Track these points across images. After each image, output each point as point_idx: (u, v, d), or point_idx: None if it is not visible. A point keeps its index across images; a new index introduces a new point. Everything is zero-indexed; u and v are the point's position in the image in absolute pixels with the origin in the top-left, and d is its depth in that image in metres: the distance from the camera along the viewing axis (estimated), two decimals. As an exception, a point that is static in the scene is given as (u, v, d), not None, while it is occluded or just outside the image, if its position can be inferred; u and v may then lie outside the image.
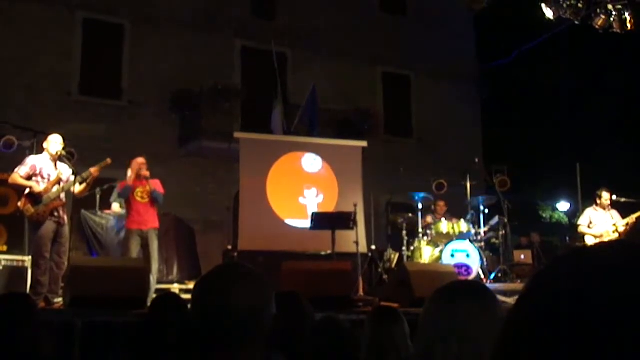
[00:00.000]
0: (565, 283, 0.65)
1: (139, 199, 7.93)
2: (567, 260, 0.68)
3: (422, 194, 10.98)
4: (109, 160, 7.63)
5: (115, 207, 9.97)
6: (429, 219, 11.02)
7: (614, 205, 10.12)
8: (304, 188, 12.07)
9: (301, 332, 2.79)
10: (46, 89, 13.71)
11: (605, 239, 9.65)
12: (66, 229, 7.42)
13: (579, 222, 10.27)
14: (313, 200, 12.03)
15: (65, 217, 7.44)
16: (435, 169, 13.23)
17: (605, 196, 9.98)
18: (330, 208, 11.90)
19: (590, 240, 10.02)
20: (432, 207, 11.31)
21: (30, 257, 7.65)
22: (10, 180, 7.37)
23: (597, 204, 10.08)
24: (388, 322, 3.32)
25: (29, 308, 3.47)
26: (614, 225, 9.92)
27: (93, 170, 7.45)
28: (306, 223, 11.40)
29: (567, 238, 14.40)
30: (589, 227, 10.07)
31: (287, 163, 12.13)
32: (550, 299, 0.65)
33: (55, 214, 7.26)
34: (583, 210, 10.47)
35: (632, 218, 9.90)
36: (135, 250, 7.81)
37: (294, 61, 16.36)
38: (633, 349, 0.58)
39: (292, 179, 12.09)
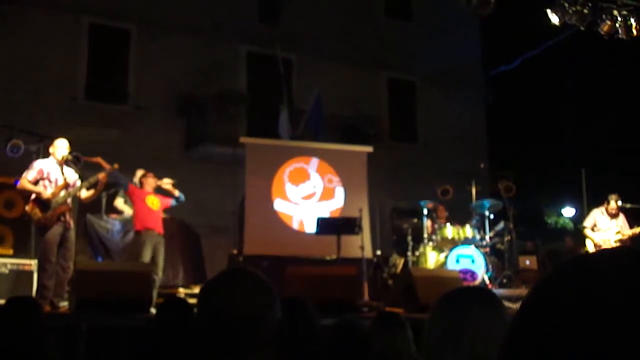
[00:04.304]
0: (570, 284, 0.66)
1: (149, 204, 8.34)
2: (572, 264, 0.69)
3: (425, 202, 11.01)
4: (116, 166, 7.70)
5: (120, 202, 9.97)
6: (430, 224, 11.03)
7: (620, 211, 10.08)
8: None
9: (306, 337, 2.80)
10: (52, 93, 13.76)
11: (605, 247, 9.63)
12: (72, 233, 7.45)
13: (584, 224, 10.25)
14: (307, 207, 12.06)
15: (72, 222, 7.47)
16: (440, 175, 13.22)
17: (613, 204, 9.93)
18: (335, 213, 11.91)
19: (590, 246, 9.99)
20: (434, 214, 11.31)
21: (36, 261, 7.69)
22: (19, 186, 7.44)
23: (605, 208, 10.03)
24: (391, 328, 3.33)
25: (34, 312, 3.49)
26: (618, 233, 9.88)
27: (101, 176, 7.51)
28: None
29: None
30: (592, 229, 10.03)
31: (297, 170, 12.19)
32: (554, 300, 0.66)
33: (62, 218, 7.29)
34: (591, 210, 10.40)
35: (638, 229, 9.86)
36: (149, 253, 8.01)
37: (299, 66, 16.38)
38: (635, 348, 0.60)
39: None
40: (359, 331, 2.96)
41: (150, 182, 8.54)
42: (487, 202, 11.04)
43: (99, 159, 7.90)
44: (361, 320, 3.40)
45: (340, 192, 12.28)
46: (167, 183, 8.75)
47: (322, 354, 2.78)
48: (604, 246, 9.73)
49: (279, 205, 11.85)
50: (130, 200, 8.83)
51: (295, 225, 11.81)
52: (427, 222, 11.00)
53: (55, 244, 7.19)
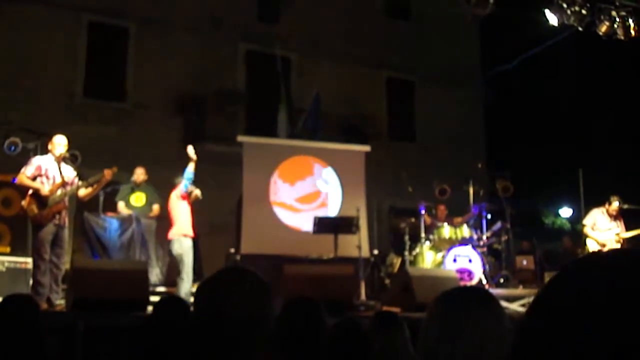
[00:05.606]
0: (571, 287, 0.67)
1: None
2: (573, 267, 0.69)
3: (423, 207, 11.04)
4: (115, 169, 7.71)
5: (121, 205, 9.98)
6: (429, 220, 11.04)
7: (620, 213, 10.08)
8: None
9: (315, 338, 2.81)
10: (51, 91, 13.73)
11: (607, 248, 9.64)
12: (65, 232, 7.45)
13: (584, 222, 10.26)
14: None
15: (66, 220, 7.47)
16: (438, 174, 13.22)
17: (614, 205, 9.93)
18: (333, 212, 11.92)
19: (592, 245, 10.00)
20: (433, 211, 11.31)
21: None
22: (17, 181, 7.45)
23: (606, 209, 10.03)
24: (389, 327, 3.33)
25: (31, 310, 3.49)
26: (617, 235, 9.89)
27: (107, 173, 7.55)
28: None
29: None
30: (592, 229, 10.03)
31: (295, 165, 12.17)
32: (556, 303, 0.66)
33: (57, 216, 7.29)
34: (589, 211, 10.41)
35: (637, 232, 9.86)
36: None
37: (298, 65, 16.37)
38: (635, 348, 0.60)
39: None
40: (359, 331, 2.96)
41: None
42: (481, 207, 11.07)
43: (189, 148, 8.44)
44: (360, 320, 3.40)
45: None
46: (196, 195, 8.66)
47: (322, 353, 2.78)
48: (607, 246, 9.74)
49: (286, 218, 11.86)
50: (179, 202, 8.59)
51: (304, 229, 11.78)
52: (424, 217, 10.98)
53: (48, 242, 7.19)
